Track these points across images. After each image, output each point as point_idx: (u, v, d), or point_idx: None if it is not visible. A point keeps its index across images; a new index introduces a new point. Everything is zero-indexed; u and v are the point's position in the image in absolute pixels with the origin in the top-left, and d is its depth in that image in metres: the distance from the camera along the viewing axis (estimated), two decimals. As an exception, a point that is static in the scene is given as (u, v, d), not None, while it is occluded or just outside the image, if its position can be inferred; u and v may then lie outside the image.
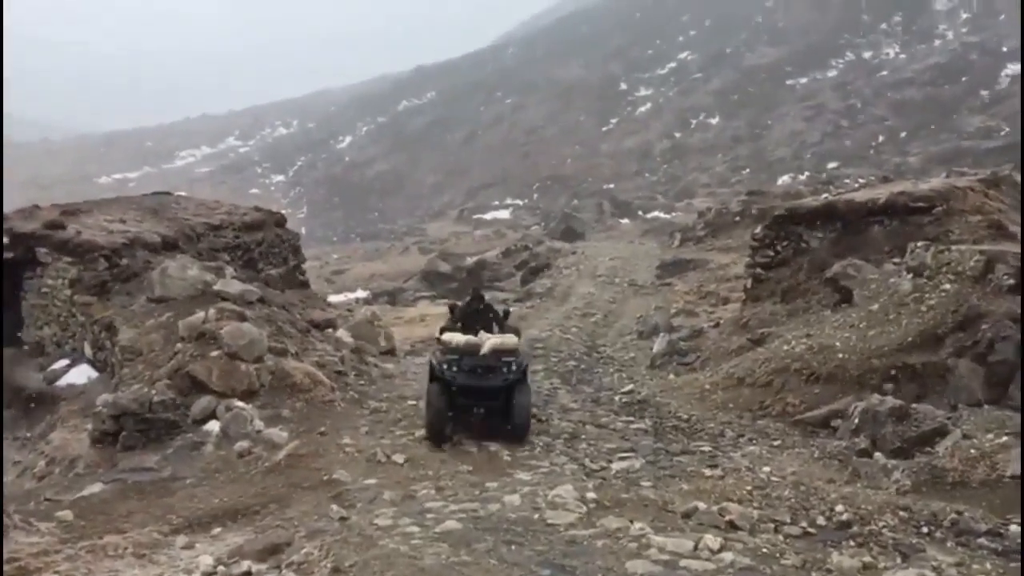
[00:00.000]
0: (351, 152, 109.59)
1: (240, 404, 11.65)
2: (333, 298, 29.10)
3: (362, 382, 14.25)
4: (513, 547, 7.34)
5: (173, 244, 16.96)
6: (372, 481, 9.35)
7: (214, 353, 12.38)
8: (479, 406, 10.91)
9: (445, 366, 10.95)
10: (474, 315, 12.02)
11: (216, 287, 14.40)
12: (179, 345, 12.88)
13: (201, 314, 13.12)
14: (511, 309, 13.40)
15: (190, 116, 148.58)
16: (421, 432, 11.34)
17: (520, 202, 72.04)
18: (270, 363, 12.73)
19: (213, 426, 11.30)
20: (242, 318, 13.20)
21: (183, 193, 22.24)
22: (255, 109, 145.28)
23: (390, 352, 17.36)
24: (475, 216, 67.44)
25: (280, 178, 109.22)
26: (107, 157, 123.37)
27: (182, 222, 18.23)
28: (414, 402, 12.95)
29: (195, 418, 11.56)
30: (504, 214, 67.85)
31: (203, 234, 18.15)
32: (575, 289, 26.41)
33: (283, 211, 22.21)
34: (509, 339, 11.26)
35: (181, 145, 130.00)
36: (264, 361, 12.67)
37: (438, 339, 11.77)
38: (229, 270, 15.72)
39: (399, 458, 10.07)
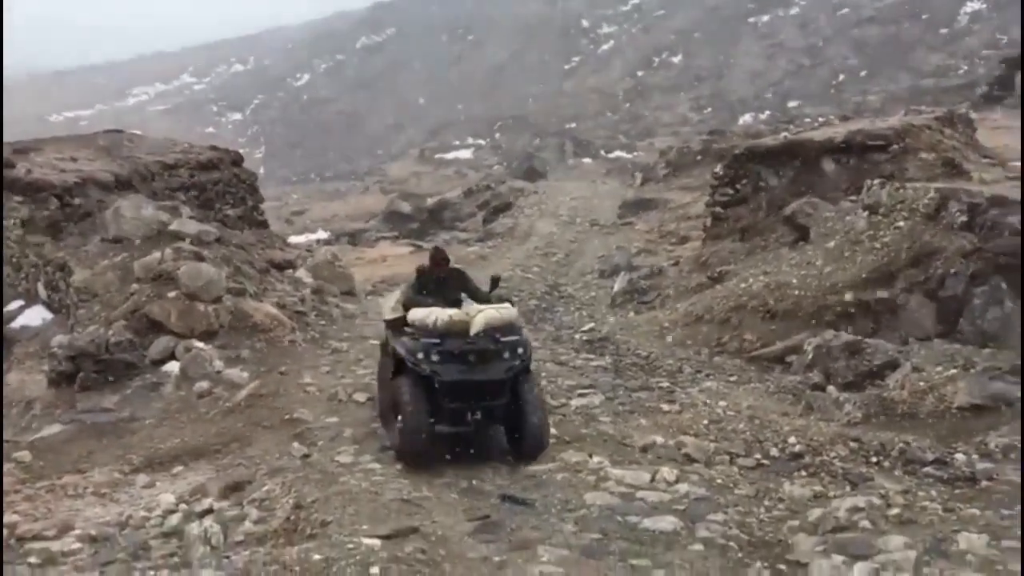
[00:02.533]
0: (309, 91, 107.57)
1: (199, 344, 11.57)
2: (293, 239, 28.81)
3: (323, 322, 14.21)
4: (475, 482, 7.46)
5: (127, 183, 16.60)
6: (334, 420, 9.39)
7: (171, 294, 12.24)
8: (474, 409, 7.83)
9: (421, 354, 7.77)
10: (439, 284, 8.72)
11: (172, 227, 14.16)
12: (135, 286, 12.70)
13: (157, 254, 12.92)
14: (499, 275, 9.96)
15: (143, 54, 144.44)
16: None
17: (482, 142, 71.42)
18: (229, 303, 12.61)
19: (172, 367, 11.23)
20: (200, 258, 13.03)
21: (137, 132, 21.66)
22: (210, 46, 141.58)
23: (351, 292, 17.28)
24: (436, 156, 66.78)
25: (237, 117, 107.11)
26: (58, 96, 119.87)
27: (136, 161, 17.81)
28: (375, 341, 12.92)
29: (153, 359, 11.47)
30: (466, 154, 67.26)
31: (158, 173, 17.76)
32: (537, 229, 26.39)
33: (240, 150, 21.81)
34: (507, 310, 8.16)
35: (134, 83, 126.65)
36: (223, 301, 12.55)
37: (394, 321, 8.56)
38: (185, 210, 15.44)
39: (360, 397, 10.10)
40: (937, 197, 12.25)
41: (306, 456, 8.27)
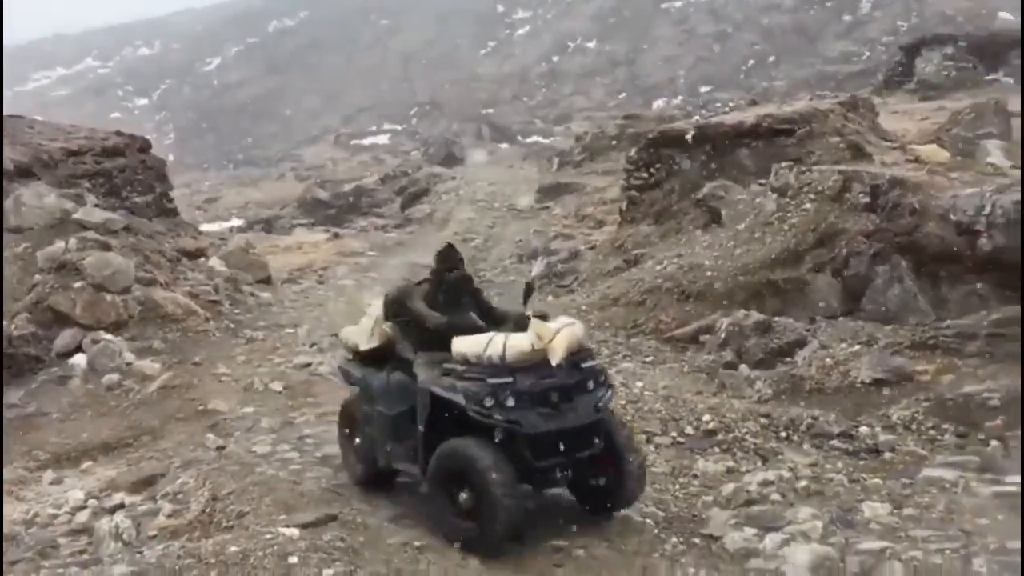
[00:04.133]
0: (220, 75, 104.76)
1: (108, 336, 11.26)
2: (205, 227, 28.10)
3: (237, 311, 13.95)
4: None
5: (27, 171, 15.93)
6: (249, 410, 9.26)
7: (77, 284, 11.86)
8: (567, 465, 5.92)
9: (490, 400, 5.68)
10: (450, 296, 6.63)
11: (76, 216, 13.69)
12: (38, 277, 12.26)
13: (61, 244, 12.50)
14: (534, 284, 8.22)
15: (45, 35, 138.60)
16: (301, 358, 11.16)
17: (399, 127, 70.81)
18: (138, 294, 12.30)
19: (79, 359, 10.91)
20: (106, 248, 12.64)
21: (38, 118, 20.82)
22: (114, 28, 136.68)
23: (266, 281, 17.00)
24: (353, 142, 65.98)
25: (144, 102, 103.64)
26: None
27: (37, 147, 17.11)
28: (291, 330, 12.77)
29: (59, 352, 11.13)
30: (383, 139, 66.63)
31: (61, 160, 17.09)
32: (455, 215, 26.37)
33: (148, 136, 21.15)
34: (579, 326, 6.23)
35: (33, 66, 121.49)
36: (132, 292, 12.23)
37: (371, 352, 6.73)
38: (90, 198, 14.95)
39: (277, 386, 9.97)
40: (841, 179, 12.64)
41: (221, 447, 8.14)
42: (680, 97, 61.60)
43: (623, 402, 9.19)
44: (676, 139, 17.32)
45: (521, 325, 6.02)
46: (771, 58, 66.67)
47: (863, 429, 8.21)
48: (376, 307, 6.85)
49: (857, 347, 9.97)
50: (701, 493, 6.87)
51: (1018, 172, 13.23)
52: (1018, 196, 10.44)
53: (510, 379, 5.71)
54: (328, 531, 5.93)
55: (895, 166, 13.84)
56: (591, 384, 5.98)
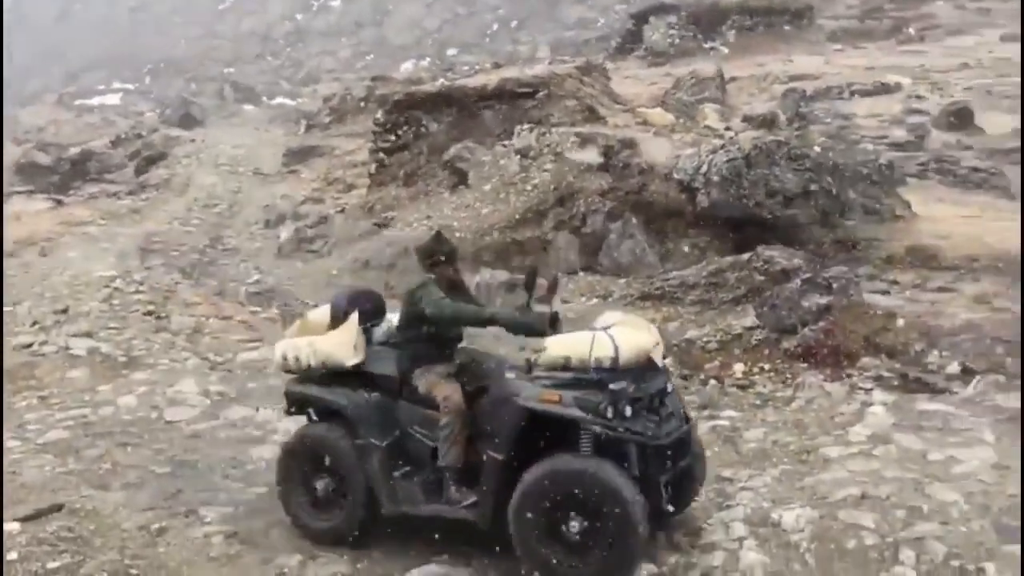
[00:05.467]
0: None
1: None
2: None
3: (-58, 290, 12.48)
4: (129, 449, 7.04)
5: None
6: (-42, 398, 8.35)
7: None
8: (666, 476, 5.10)
9: (610, 409, 4.81)
10: (454, 290, 5.59)
11: None
12: None
13: None
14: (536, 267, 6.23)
15: None
16: (21, 339, 10.19)
17: (130, 87, 65.85)
18: None
19: None
20: None
21: None
22: None
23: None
24: (78, 102, 60.49)
25: None
26: None
27: None
28: (10, 308, 11.60)
29: None
30: (113, 99, 61.65)
31: None
32: (196, 180, 24.98)
33: None
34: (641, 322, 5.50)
35: None
36: None
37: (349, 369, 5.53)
38: None
39: (-9, 372, 9.05)
40: (578, 141, 13.27)
41: (-76, 442, 7.30)
42: (428, 59, 61.78)
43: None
44: (423, 101, 17.39)
45: (541, 326, 5.11)
46: (514, 22, 68.33)
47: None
48: (327, 314, 5.79)
49: (595, 300, 10.56)
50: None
51: (731, 133, 14.51)
52: (730, 156, 11.43)
53: (626, 384, 4.85)
54: (53, 522, 5.50)
55: (626, 128, 14.71)
56: (671, 389, 5.33)
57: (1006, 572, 4.74)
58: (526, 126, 14.49)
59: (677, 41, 30.89)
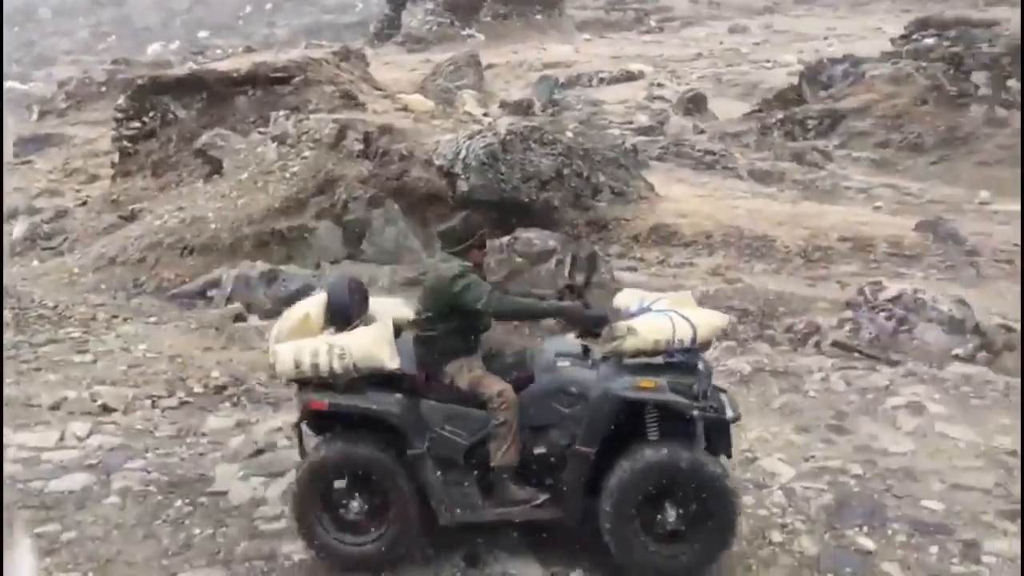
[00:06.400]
0: None
1: None
2: None
3: None
4: None
5: None
6: None
7: None
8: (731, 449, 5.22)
9: (703, 390, 4.78)
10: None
11: None
12: None
13: None
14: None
15: None
16: None
17: None
18: None
19: None
20: None
21: None
22: None
23: None
24: None
25: None
26: None
27: None
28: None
29: None
30: None
31: None
32: (-93, 172, 22.35)
33: None
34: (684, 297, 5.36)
35: None
36: None
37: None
38: None
39: None
40: (337, 127, 13.09)
41: None
42: (177, 42, 58.51)
43: (124, 367, 8.65)
44: (170, 85, 16.55)
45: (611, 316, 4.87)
46: (269, 5, 66.17)
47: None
48: (319, 309, 5.02)
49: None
50: (210, 451, 6.71)
51: (489, 119, 14.85)
52: (487, 141, 11.71)
53: (702, 364, 4.80)
54: None
55: (385, 114, 14.67)
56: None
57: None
58: (282, 113, 14.11)
59: (435, 27, 31.19)
